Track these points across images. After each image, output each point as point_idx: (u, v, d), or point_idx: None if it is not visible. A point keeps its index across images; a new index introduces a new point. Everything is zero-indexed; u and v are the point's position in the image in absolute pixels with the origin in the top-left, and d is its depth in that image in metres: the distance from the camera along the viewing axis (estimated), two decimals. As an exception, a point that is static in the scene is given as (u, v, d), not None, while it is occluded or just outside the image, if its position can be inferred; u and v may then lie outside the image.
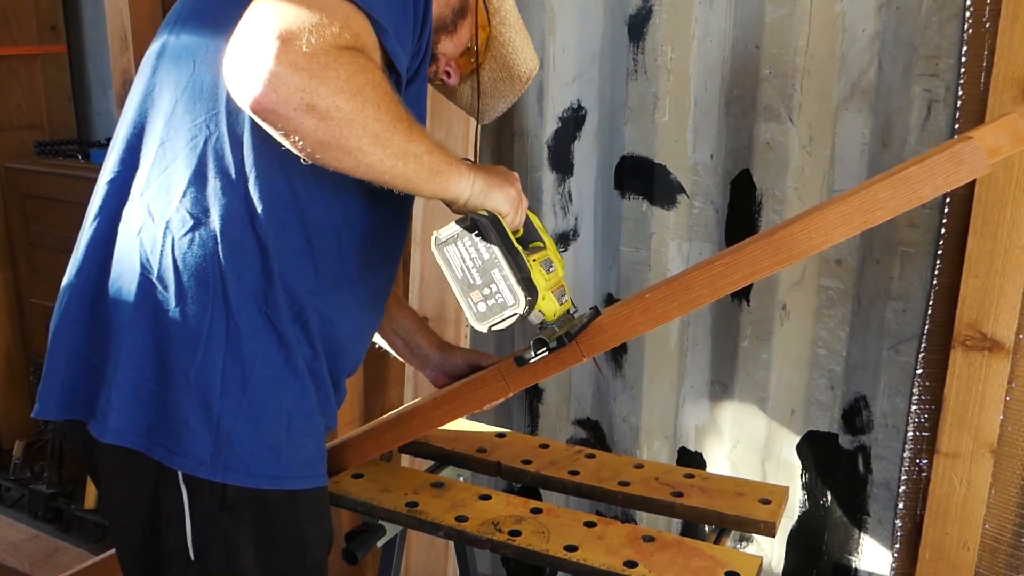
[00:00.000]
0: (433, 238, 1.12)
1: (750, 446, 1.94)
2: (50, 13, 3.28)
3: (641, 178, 1.96)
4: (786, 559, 1.95)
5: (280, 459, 1.14)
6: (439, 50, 1.28)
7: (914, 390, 1.59)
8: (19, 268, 3.32)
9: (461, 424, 1.69)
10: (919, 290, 1.67)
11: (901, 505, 1.63)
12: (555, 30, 2.00)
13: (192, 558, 1.14)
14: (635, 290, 2.02)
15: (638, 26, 1.89)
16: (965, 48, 1.47)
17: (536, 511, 1.37)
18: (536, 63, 1.43)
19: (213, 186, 1.09)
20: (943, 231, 1.53)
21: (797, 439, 1.88)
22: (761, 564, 1.24)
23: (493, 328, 1.13)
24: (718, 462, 1.99)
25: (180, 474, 1.11)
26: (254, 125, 1.05)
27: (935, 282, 1.55)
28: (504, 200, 1.15)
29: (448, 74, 1.34)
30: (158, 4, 2.36)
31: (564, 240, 2.11)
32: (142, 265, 1.11)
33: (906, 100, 1.62)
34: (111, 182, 1.18)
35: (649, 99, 1.91)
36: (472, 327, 1.15)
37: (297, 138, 0.95)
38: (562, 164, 2.08)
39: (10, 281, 3.34)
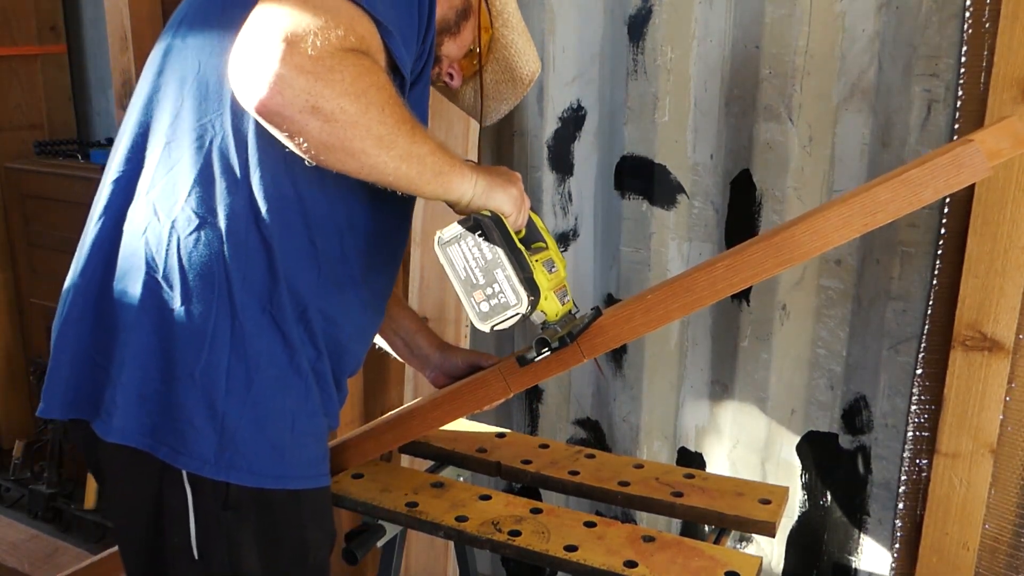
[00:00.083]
0: (436, 238, 1.12)
1: (750, 446, 1.94)
2: (50, 13, 3.28)
3: (641, 178, 1.96)
4: (786, 559, 1.95)
5: (284, 459, 1.15)
6: (442, 52, 1.28)
7: (914, 390, 1.60)
8: (19, 268, 3.32)
9: (461, 424, 1.69)
10: (919, 290, 1.67)
11: (901, 505, 1.64)
12: (555, 30, 2.00)
13: (196, 557, 1.14)
14: (635, 290, 2.02)
15: (638, 26, 1.89)
16: (965, 48, 1.48)
17: (536, 511, 1.38)
18: (538, 65, 1.44)
19: (219, 186, 1.09)
20: (943, 231, 1.54)
21: (797, 439, 1.88)
22: (761, 564, 1.24)
23: (496, 328, 1.13)
24: (718, 462, 2.00)
25: (184, 473, 1.12)
26: (259, 125, 1.05)
27: (935, 282, 1.55)
28: (507, 200, 1.16)
29: (451, 76, 1.34)
30: (158, 4, 2.36)
31: (564, 240, 2.11)
32: (147, 264, 1.11)
33: (906, 100, 1.63)
34: (116, 181, 1.18)
35: (649, 99, 1.91)
36: (473, 327, 1.16)
37: (301, 140, 0.96)
38: (562, 164, 2.08)
39: (10, 281, 3.34)
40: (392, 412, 1.56)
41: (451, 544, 2.08)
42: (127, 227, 1.15)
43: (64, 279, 1.23)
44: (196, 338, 1.09)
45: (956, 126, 1.51)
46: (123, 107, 2.37)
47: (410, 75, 1.10)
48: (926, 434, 1.59)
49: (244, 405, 1.11)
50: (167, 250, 1.10)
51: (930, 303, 1.56)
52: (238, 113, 1.08)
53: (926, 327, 1.57)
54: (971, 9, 1.46)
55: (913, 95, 1.62)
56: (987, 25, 1.44)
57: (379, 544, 1.44)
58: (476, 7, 1.31)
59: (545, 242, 1.24)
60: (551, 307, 1.18)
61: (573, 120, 2.05)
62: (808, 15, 1.68)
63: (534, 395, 2.25)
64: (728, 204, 1.87)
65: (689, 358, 2.00)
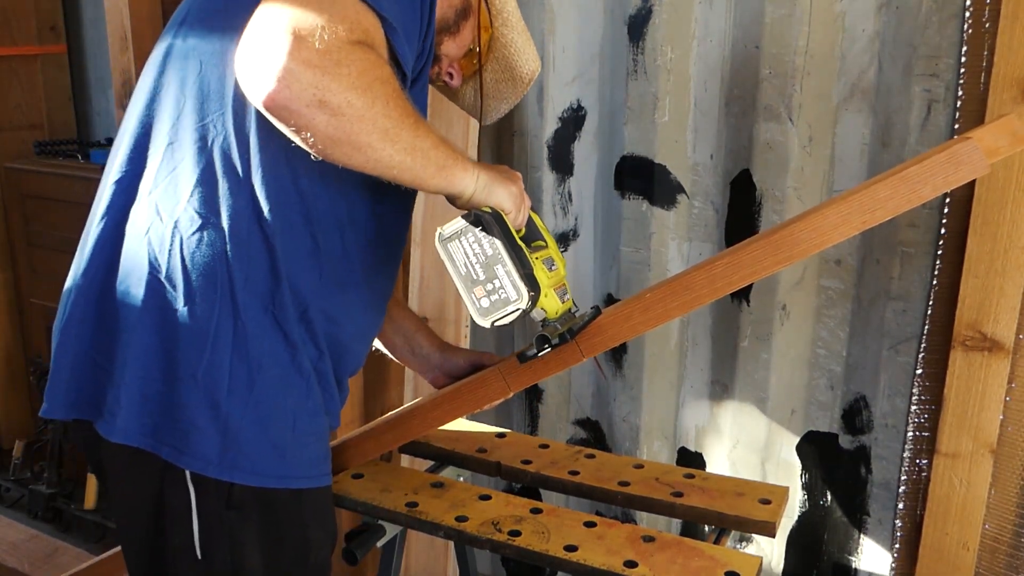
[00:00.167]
0: (437, 234, 1.13)
1: (750, 446, 1.94)
2: (50, 13, 3.28)
3: (641, 178, 1.96)
4: (786, 559, 1.95)
5: (285, 458, 1.15)
6: (442, 51, 1.28)
7: (914, 390, 1.60)
8: (19, 268, 3.32)
9: (461, 424, 1.69)
10: (919, 290, 1.67)
11: (901, 505, 1.64)
12: (555, 30, 2.00)
13: (198, 557, 1.14)
14: (635, 290, 2.02)
15: (638, 26, 1.89)
16: (965, 48, 1.47)
17: (536, 511, 1.38)
18: (538, 64, 1.44)
19: (221, 186, 1.10)
20: (943, 231, 1.54)
21: (797, 439, 1.88)
22: (761, 564, 1.24)
23: (496, 323, 1.13)
24: (718, 462, 2.00)
25: (188, 473, 1.12)
26: (260, 124, 1.05)
27: (935, 282, 1.55)
28: (507, 197, 1.16)
29: (451, 75, 1.34)
30: (158, 4, 2.36)
31: (564, 240, 2.11)
32: (150, 264, 1.11)
33: (906, 100, 1.63)
34: (118, 182, 1.18)
35: (649, 99, 1.91)
36: (473, 326, 1.16)
37: (308, 134, 0.96)
38: (562, 164, 2.08)
39: (10, 281, 3.34)
40: (392, 412, 1.56)
41: (451, 544, 2.08)
42: (129, 228, 1.15)
43: (64, 279, 1.23)
44: (199, 338, 1.10)
45: (956, 126, 1.51)
46: (123, 107, 2.37)
47: (411, 73, 1.10)
48: (926, 434, 1.59)
49: (247, 405, 1.11)
50: (170, 250, 1.10)
51: (930, 303, 1.56)
52: (240, 113, 1.08)
53: (926, 327, 1.57)
54: (971, 9, 1.46)
55: (913, 95, 1.62)
56: (987, 25, 1.44)
57: (379, 544, 1.44)
58: (476, 7, 1.31)
59: (545, 241, 1.24)
60: (551, 304, 1.18)
61: (573, 120, 2.05)
62: (808, 15, 1.68)
63: (534, 395, 2.25)
64: (728, 204, 1.87)
65: (689, 358, 2.00)
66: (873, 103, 1.67)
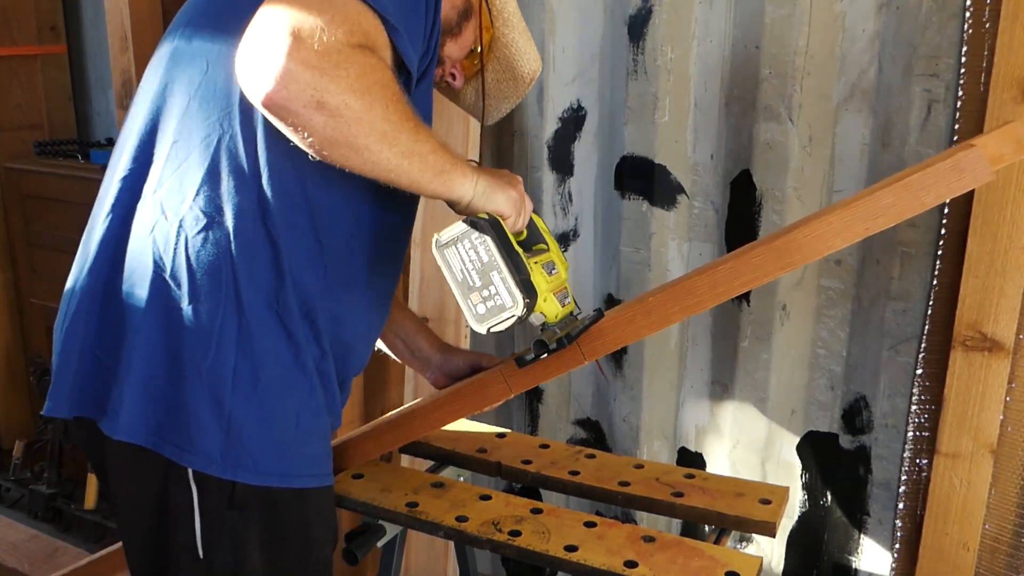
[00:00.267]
0: (434, 240, 1.13)
1: (750, 446, 1.94)
2: (50, 13, 3.28)
3: (641, 178, 1.96)
4: (786, 559, 1.95)
5: (288, 457, 1.15)
6: (444, 52, 1.29)
7: (914, 390, 1.60)
8: (19, 268, 3.32)
9: (461, 424, 1.69)
10: (919, 290, 1.67)
11: (901, 505, 1.64)
12: (555, 30, 2.00)
13: (200, 555, 1.15)
14: (635, 290, 2.02)
15: (638, 26, 1.89)
16: (965, 48, 1.48)
17: (536, 511, 1.38)
18: (539, 64, 1.44)
19: (226, 185, 1.10)
20: (943, 231, 1.54)
21: (797, 439, 1.88)
22: (761, 564, 1.24)
23: (492, 330, 1.14)
24: (718, 462, 2.00)
25: (190, 471, 1.12)
26: (267, 123, 1.06)
27: (935, 282, 1.55)
28: (506, 202, 1.16)
29: (453, 76, 1.35)
30: (158, 4, 2.36)
31: (564, 240, 2.12)
32: (155, 263, 1.11)
33: (906, 100, 1.63)
34: (124, 180, 1.18)
35: (649, 99, 1.91)
36: (472, 328, 1.16)
37: (306, 134, 0.97)
38: (562, 164, 2.08)
39: (10, 281, 3.34)
40: (393, 412, 1.56)
41: (451, 544, 2.08)
42: (134, 226, 1.15)
43: (64, 279, 1.23)
44: (203, 337, 1.10)
45: (956, 126, 1.51)
46: (123, 107, 2.37)
47: (416, 72, 1.10)
48: (926, 434, 1.59)
49: (250, 403, 1.11)
50: (175, 249, 1.11)
51: (930, 303, 1.56)
52: (246, 112, 1.09)
53: (926, 327, 1.57)
54: (971, 9, 1.46)
55: (913, 95, 1.62)
56: (987, 25, 1.44)
57: (379, 544, 1.44)
58: (477, 7, 1.32)
59: (547, 244, 1.24)
60: (550, 309, 1.18)
61: (573, 120, 2.05)
62: (808, 15, 1.68)
63: (534, 395, 2.25)
64: (728, 204, 1.87)
65: (689, 358, 2.00)
66: (873, 103, 1.67)
